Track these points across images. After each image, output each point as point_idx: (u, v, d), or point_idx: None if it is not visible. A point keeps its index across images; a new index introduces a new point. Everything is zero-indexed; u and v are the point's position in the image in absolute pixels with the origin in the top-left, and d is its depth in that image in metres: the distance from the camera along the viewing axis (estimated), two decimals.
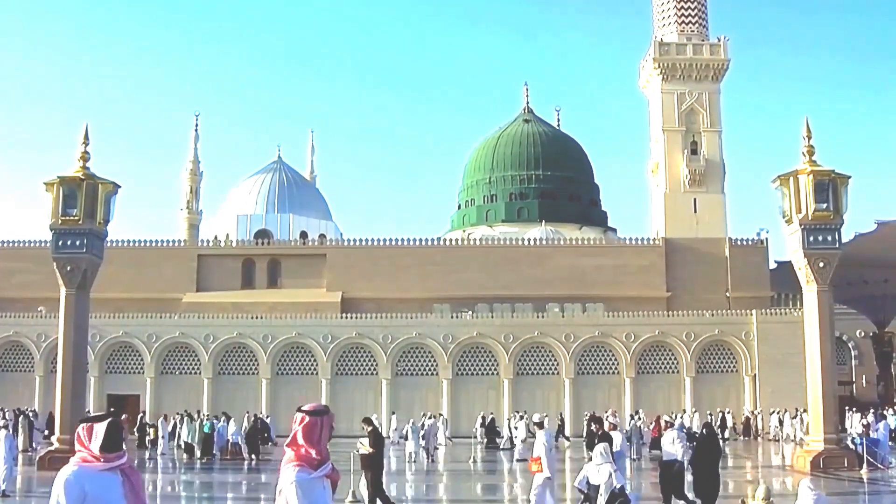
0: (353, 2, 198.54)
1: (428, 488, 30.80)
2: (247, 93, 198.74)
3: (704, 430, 21.52)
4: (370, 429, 21.16)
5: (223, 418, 42.69)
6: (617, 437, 20.06)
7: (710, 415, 51.25)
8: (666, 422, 21.36)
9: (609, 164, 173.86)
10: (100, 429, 5.93)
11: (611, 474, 16.96)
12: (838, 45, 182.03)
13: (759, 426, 57.02)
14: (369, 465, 20.21)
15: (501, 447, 46.63)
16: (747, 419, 57.04)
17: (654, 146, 77.20)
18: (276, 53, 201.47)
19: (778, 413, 54.44)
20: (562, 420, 54.88)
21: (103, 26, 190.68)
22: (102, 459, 5.88)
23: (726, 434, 52.10)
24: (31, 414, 47.38)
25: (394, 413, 56.14)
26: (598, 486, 17.06)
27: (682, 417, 48.68)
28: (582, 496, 18.26)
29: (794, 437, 50.18)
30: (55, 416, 34.09)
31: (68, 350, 32.02)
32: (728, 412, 55.26)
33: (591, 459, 18.73)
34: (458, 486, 31.43)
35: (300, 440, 6.21)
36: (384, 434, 51.07)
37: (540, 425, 20.11)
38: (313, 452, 6.18)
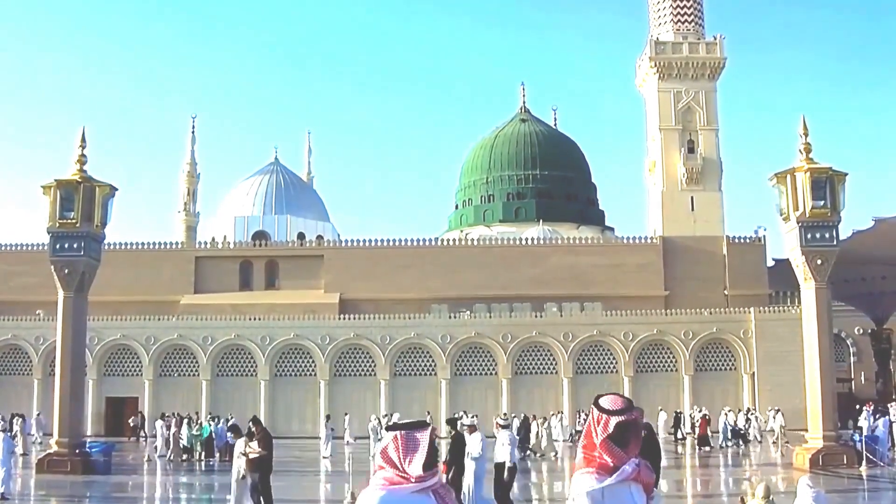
0: (349, 3, 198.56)
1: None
2: (243, 94, 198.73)
3: (644, 432, 20.51)
4: (259, 429, 20.79)
5: (221, 420, 42.65)
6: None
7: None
8: (497, 423, 20.17)
9: (606, 163, 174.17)
10: (422, 441, 4.92)
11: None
12: (834, 42, 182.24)
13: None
14: (258, 467, 19.64)
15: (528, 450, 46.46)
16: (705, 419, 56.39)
17: (650, 145, 77.21)
18: (272, 55, 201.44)
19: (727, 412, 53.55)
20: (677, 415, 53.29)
21: (100, 29, 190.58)
22: (415, 479, 4.86)
23: (679, 434, 51.66)
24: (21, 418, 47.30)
25: (387, 415, 56.09)
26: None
27: (553, 418, 49.41)
28: None
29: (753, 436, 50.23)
30: (53, 419, 34.01)
31: (66, 353, 31.97)
32: (700, 411, 53.45)
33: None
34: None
35: (595, 441, 5.19)
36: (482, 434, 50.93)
37: (473, 428, 19.47)
38: (608, 457, 5.14)
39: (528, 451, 41.70)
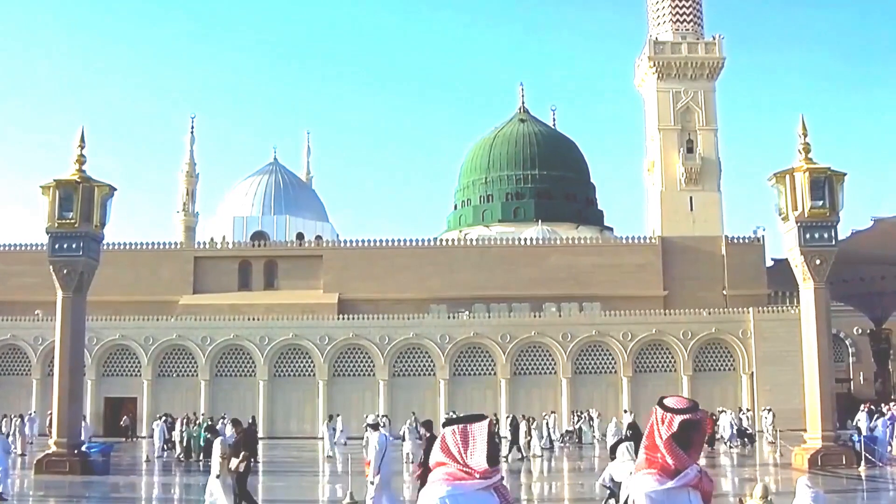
0: (348, 3, 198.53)
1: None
2: (242, 94, 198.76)
3: (629, 432, 20.18)
4: (240, 430, 20.65)
5: (220, 420, 42.63)
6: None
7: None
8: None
9: (605, 163, 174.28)
10: (479, 434, 4.75)
11: (631, 472, 16.72)
12: (834, 42, 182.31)
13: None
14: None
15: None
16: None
17: (649, 145, 77.21)
18: (271, 55, 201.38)
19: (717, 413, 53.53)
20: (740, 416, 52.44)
21: (99, 29, 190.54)
22: (479, 475, 4.70)
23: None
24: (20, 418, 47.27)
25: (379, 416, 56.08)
26: (621, 482, 16.91)
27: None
28: (608, 493, 18.24)
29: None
30: (52, 418, 34.00)
31: (65, 353, 31.95)
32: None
33: (613, 458, 18.44)
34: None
35: (658, 442, 5.03)
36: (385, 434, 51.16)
37: (374, 427, 19.42)
38: (670, 458, 4.99)
39: (518, 452, 41.68)
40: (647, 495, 4.96)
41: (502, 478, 4.84)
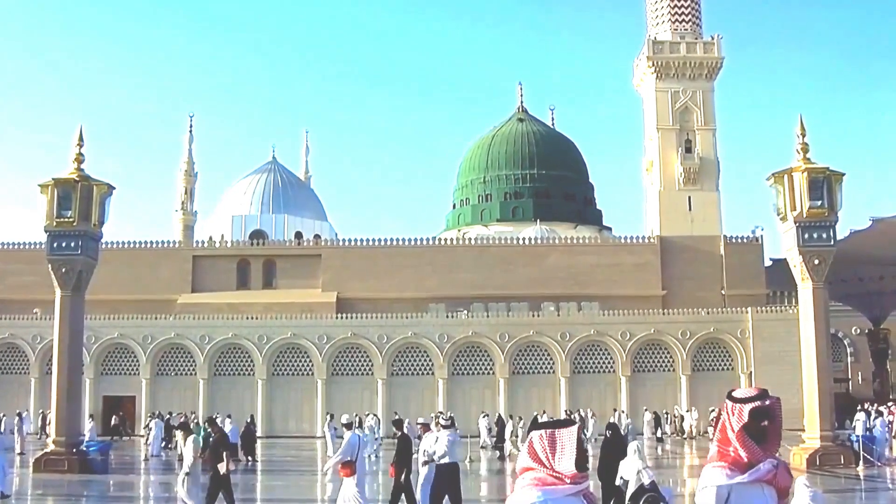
0: (346, 2, 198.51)
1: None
2: (241, 93, 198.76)
3: (609, 433, 19.44)
4: (216, 429, 20.65)
5: (220, 419, 42.58)
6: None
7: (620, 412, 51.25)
8: (441, 424, 19.49)
9: (603, 162, 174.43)
10: (568, 439, 4.61)
11: (639, 471, 16.75)
12: (832, 42, 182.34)
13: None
14: (213, 466, 19.56)
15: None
16: (681, 417, 56.95)
17: (648, 144, 77.24)
18: (270, 54, 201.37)
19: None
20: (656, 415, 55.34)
21: (97, 27, 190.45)
22: (570, 479, 4.55)
23: (658, 433, 52.82)
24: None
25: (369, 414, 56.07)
26: (629, 480, 16.87)
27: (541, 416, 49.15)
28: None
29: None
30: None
31: (63, 352, 31.93)
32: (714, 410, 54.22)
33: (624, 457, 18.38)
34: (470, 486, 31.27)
35: (730, 435, 4.95)
36: (382, 433, 51.23)
37: (349, 426, 19.20)
38: (743, 451, 4.89)
39: (503, 450, 41.84)
40: (716, 489, 4.87)
41: (589, 485, 4.68)
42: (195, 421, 43.35)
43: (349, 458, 17.95)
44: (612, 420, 41.76)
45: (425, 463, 18.47)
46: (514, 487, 4.67)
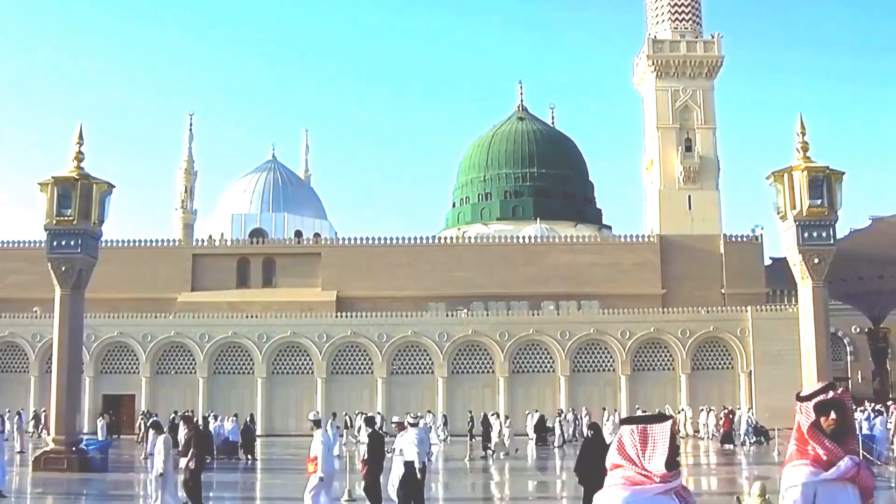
0: (346, 1, 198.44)
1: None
2: (241, 92, 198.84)
3: (591, 432, 19.17)
4: (191, 426, 20.63)
5: (221, 417, 42.68)
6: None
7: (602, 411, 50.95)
8: (408, 423, 19.55)
9: (603, 161, 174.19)
10: (661, 436, 4.43)
11: None
12: (832, 40, 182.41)
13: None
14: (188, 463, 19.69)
15: (555, 445, 46.86)
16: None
17: (648, 143, 77.27)
18: (270, 52, 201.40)
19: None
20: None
21: (98, 26, 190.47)
22: (659, 479, 4.38)
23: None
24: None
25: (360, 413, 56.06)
26: None
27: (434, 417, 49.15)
28: None
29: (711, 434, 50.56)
30: (50, 416, 33.98)
31: (63, 350, 31.93)
32: (724, 409, 54.41)
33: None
34: (455, 485, 31.37)
35: (806, 436, 4.84)
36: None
37: (317, 424, 19.15)
38: (820, 449, 4.78)
39: (490, 450, 41.95)
40: (802, 486, 4.75)
41: (682, 483, 4.52)
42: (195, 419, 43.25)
43: (316, 455, 17.99)
44: (610, 417, 41.86)
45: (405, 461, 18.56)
46: (604, 484, 4.55)
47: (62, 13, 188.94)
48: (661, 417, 4.51)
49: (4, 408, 50.55)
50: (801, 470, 4.80)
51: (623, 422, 4.61)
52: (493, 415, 46.84)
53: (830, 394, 4.83)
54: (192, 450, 19.49)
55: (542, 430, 50.09)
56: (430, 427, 45.77)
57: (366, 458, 19.50)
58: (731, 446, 45.16)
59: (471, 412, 51.87)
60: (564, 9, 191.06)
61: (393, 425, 20.14)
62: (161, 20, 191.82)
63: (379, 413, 55.14)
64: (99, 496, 27.26)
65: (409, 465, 18.27)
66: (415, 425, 19.07)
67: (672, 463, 4.41)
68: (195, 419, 43.24)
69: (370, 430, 20.68)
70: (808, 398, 4.85)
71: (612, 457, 4.53)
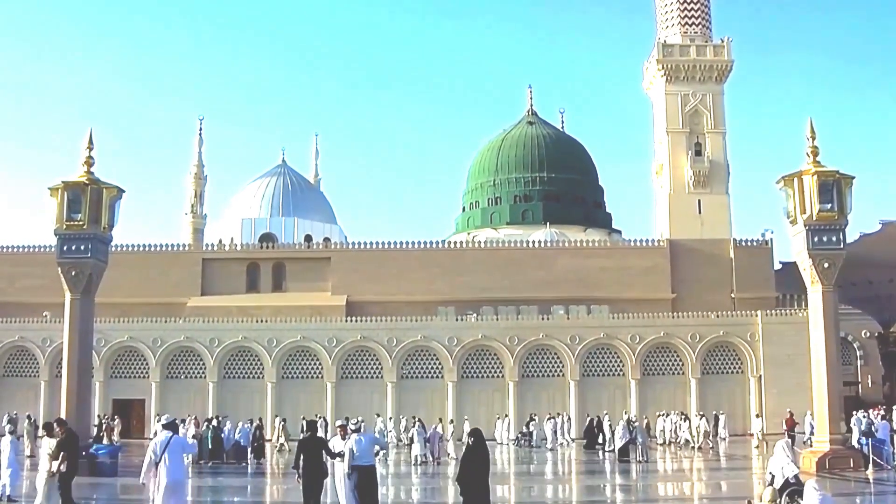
0: (357, 5, 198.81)
1: (433, 491, 30.86)
2: (251, 96, 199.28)
3: (472, 439, 18.31)
4: (64, 430, 20.71)
5: (229, 421, 42.79)
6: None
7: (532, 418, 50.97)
8: (351, 429, 20.03)
9: (613, 165, 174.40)
10: None
11: (782, 466, 18.30)
12: (842, 45, 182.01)
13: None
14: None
15: (607, 449, 46.12)
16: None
17: (658, 147, 77.25)
18: (280, 57, 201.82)
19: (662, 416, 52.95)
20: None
21: (107, 31, 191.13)
22: None
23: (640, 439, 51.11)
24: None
25: (374, 417, 56.08)
26: (774, 475, 18.56)
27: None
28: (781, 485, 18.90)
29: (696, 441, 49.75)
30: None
31: (73, 355, 32.01)
32: (665, 414, 53.19)
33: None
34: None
35: None
36: (394, 436, 51.22)
37: (343, 430, 20.17)
38: None
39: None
40: None
41: None
42: (206, 423, 43.33)
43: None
44: (620, 421, 41.56)
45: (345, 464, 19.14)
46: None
47: (72, 18, 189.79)
48: None
49: (17, 411, 50.81)
50: None
51: None
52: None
53: None
54: (62, 452, 19.76)
55: (592, 434, 49.60)
56: (440, 433, 45.28)
57: (297, 462, 19.68)
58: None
59: (440, 419, 51.69)
60: (574, 13, 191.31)
61: (337, 429, 20.77)
62: (171, 25, 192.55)
63: (390, 418, 55.35)
64: (108, 501, 27.28)
65: (364, 468, 18.98)
66: (356, 431, 19.76)
67: None
68: (116, 421, 43.39)
69: (309, 433, 20.98)
70: None
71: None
